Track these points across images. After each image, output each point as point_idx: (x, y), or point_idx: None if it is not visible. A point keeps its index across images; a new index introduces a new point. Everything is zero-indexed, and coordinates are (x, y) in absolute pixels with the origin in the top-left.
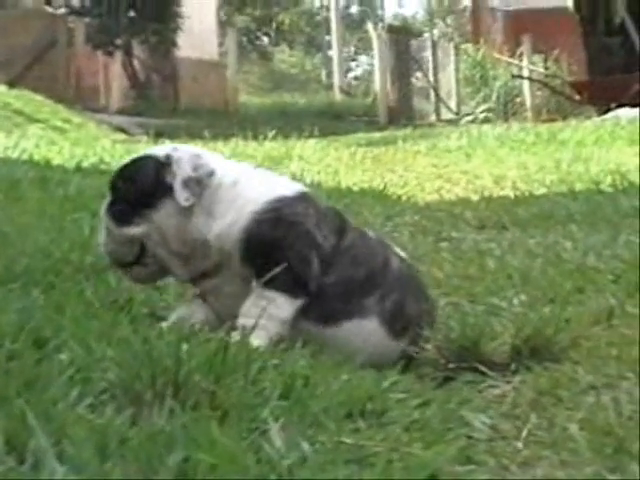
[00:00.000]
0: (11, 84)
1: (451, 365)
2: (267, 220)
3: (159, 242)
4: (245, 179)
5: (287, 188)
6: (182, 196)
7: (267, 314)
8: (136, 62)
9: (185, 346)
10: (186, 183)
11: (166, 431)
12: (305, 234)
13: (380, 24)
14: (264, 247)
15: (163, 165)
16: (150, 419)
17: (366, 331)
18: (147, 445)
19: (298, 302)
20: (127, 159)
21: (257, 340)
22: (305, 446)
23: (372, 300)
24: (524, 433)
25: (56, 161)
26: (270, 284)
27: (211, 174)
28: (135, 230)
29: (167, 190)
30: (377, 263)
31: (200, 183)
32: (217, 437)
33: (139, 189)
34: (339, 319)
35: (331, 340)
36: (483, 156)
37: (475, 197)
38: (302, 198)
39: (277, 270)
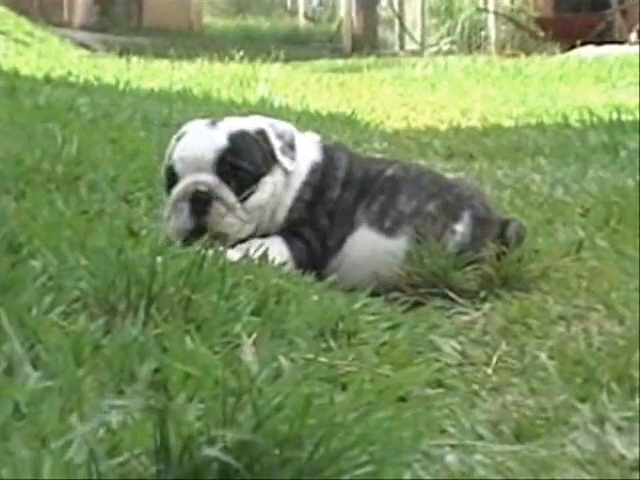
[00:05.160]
0: None
1: (421, 290)
2: None
3: None
4: None
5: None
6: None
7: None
8: None
9: (160, 258)
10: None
11: (139, 341)
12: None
13: None
14: None
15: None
16: (123, 329)
17: (359, 241)
18: (120, 354)
19: (292, 255)
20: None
21: (234, 256)
22: (282, 361)
23: (359, 212)
24: (494, 360)
25: (24, 71)
26: None
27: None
28: None
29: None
30: (368, 178)
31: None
32: (191, 348)
33: None
34: (336, 249)
35: (338, 268)
36: (448, 87)
37: (442, 127)
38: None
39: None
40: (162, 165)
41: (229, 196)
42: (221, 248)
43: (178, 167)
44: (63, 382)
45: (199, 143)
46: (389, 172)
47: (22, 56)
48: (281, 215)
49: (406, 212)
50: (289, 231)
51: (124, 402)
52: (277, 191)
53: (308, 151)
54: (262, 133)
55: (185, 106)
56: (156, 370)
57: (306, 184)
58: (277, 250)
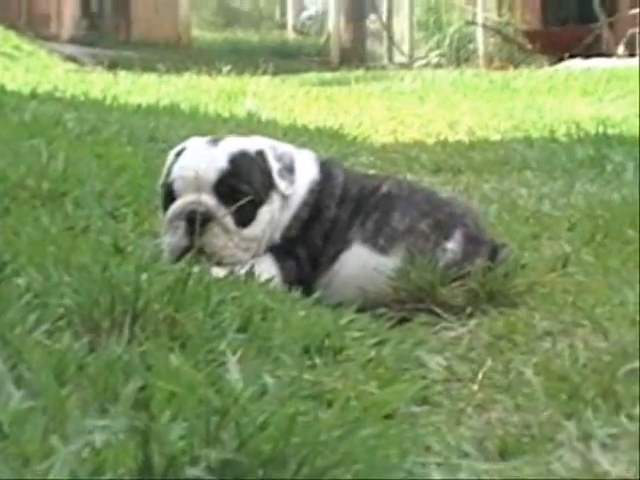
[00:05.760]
0: None
1: (407, 306)
2: None
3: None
4: None
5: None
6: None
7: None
8: None
9: (144, 275)
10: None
11: (124, 359)
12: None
13: None
14: None
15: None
16: (108, 347)
17: (352, 258)
18: (105, 372)
19: (282, 274)
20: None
21: (220, 273)
22: (267, 379)
23: (353, 229)
24: (480, 376)
25: (10, 87)
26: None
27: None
28: None
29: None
30: (362, 195)
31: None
32: (176, 366)
33: None
34: (328, 266)
35: (329, 285)
36: (437, 100)
37: (430, 140)
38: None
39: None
40: (159, 181)
41: (227, 219)
42: (207, 265)
43: (177, 185)
44: (46, 401)
45: (199, 162)
46: (384, 189)
47: (9, 71)
48: (277, 235)
49: (399, 230)
50: (281, 249)
51: (108, 422)
52: (274, 217)
53: (306, 170)
54: (261, 154)
55: (172, 121)
56: (140, 388)
57: (304, 204)
58: (265, 267)
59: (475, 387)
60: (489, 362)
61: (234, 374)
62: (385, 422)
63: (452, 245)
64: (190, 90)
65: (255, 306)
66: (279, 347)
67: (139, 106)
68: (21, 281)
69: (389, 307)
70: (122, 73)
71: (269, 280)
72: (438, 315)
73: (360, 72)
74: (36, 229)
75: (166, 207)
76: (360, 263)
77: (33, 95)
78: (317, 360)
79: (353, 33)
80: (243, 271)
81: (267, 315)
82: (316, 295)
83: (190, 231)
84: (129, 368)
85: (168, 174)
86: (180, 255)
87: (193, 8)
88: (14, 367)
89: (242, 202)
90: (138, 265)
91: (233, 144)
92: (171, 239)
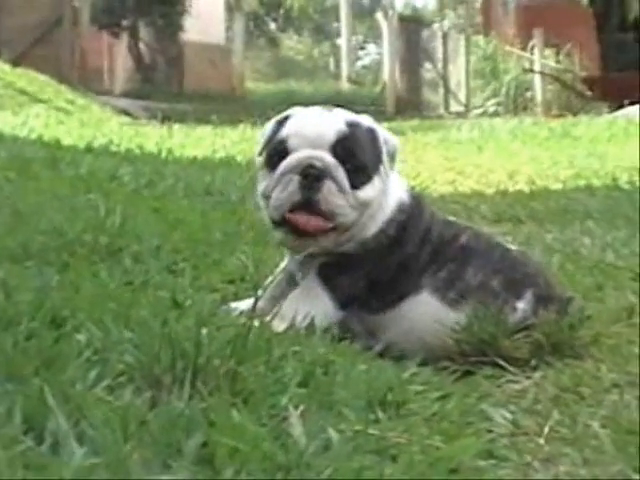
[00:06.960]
0: (15, 63)
1: (471, 359)
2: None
3: None
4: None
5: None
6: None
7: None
8: (142, 44)
9: (205, 330)
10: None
11: (186, 415)
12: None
13: (390, 13)
14: None
15: None
16: (169, 403)
17: (420, 305)
18: (166, 428)
19: (332, 291)
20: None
21: (280, 326)
22: (331, 433)
23: (427, 275)
24: (546, 429)
25: (66, 141)
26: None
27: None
28: None
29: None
30: (442, 241)
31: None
32: (238, 421)
33: None
34: (394, 304)
35: (392, 325)
36: (495, 149)
37: (489, 190)
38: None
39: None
40: (260, 146)
41: (343, 178)
42: (267, 319)
43: (292, 142)
44: (109, 458)
45: (318, 122)
46: (462, 240)
47: (63, 125)
48: (370, 231)
49: (471, 285)
50: (330, 268)
51: (171, 478)
52: (382, 194)
53: (396, 188)
54: (373, 132)
55: (228, 173)
56: (203, 444)
57: (392, 220)
58: (314, 290)
59: (542, 441)
60: (555, 415)
61: (297, 429)
62: (451, 477)
63: (522, 305)
64: (245, 142)
65: (316, 360)
66: (341, 401)
67: (194, 159)
68: (81, 337)
69: (452, 360)
70: (176, 126)
71: (327, 329)
72: (502, 368)
73: (416, 121)
74: (95, 285)
75: (275, 164)
76: (427, 312)
77: (88, 149)
78: (380, 414)
79: (408, 82)
80: (300, 317)
81: (328, 369)
82: (378, 348)
83: (304, 186)
84: (191, 424)
85: (273, 136)
86: (286, 211)
87: (246, 59)
88: (76, 424)
89: (356, 167)
90: (198, 319)
91: (347, 114)
92: (280, 194)
